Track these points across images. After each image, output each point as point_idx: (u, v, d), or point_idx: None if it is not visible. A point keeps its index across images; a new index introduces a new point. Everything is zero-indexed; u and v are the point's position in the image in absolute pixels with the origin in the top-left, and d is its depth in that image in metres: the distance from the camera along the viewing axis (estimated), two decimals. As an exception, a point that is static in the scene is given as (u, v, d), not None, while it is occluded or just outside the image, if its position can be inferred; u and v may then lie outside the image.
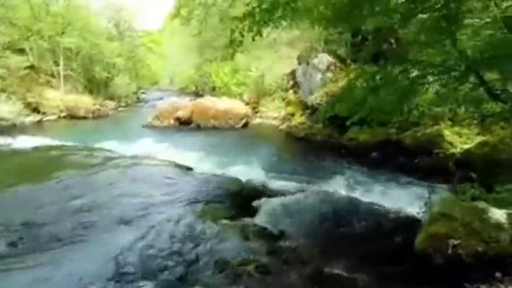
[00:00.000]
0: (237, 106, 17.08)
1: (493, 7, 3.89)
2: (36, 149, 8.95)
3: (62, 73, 20.29)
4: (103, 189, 5.61)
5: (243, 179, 7.00)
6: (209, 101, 17.32)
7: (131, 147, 10.08)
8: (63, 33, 20.52)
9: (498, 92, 5.03)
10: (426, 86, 5.81)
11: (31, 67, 19.30)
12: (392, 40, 11.24)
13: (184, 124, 16.40)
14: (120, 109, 22.17)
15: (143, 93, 30.27)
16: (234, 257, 3.66)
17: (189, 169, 7.20)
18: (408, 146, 9.34)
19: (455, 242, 2.82)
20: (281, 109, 16.65)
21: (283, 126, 15.05)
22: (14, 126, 14.61)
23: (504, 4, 4.02)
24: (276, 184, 6.76)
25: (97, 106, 20.05)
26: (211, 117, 16.38)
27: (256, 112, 17.62)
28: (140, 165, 6.91)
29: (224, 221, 4.52)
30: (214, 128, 15.93)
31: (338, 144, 11.24)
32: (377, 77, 6.25)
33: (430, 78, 5.38)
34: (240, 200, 5.53)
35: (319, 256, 3.90)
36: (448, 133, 8.56)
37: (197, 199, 5.29)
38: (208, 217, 4.60)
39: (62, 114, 18.53)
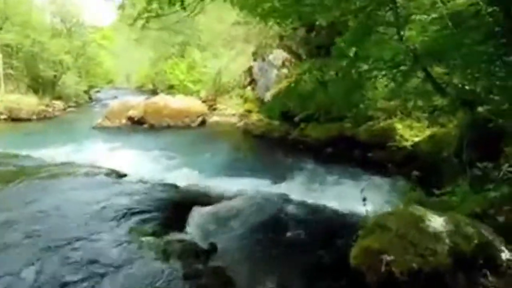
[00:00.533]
0: (193, 104, 16.46)
1: (439, 4, 3.86)
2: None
3: (1, 71, 18.68)
4: (11, 205, 4.82)
5: (185, 184, 6.41)
6: (163, 99, 16.56)
7: (68, 153, 9.18)
8: (0, 28, 18.91)
9: (444, 85, 4.96)
10: (374, 80, 5.70)
11: (-35, 66, 17.68)
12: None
13: (137, 123, 15.56)
14: (69, 109, 20.73)
15: (97, 92, 28.74)
16: (145, 285, 3.11)
17: (123, 176, 6.48)
18: (362, 140, 9.24)
19: (389, 258, 2.46)
20: (239, 106, 16.24)
21: (241, 124, 14.63)
22: None
23: (451, 3, 3.92)
24: (220, 188, 6.21)
25: (43, 107, 18.54)
26: (166, 115, 15.63)
27: (214, 110, 17.10)
28: (66, 174, 6.11)
29: (144, 238, 3.91)
30: (169, 127, 15.19)
31: (295, 141, 11.03)
32: (327, 71, 6.05)
33: (377, 72, 5.28)
34: (172, 210, 4.93)
35: (249, 274, 3.44)
36: (400, 127, 8.51)
37: (120, 212, 4.62)
38: (127, 235, 3.98)
39: (2, 117, 17.06)
